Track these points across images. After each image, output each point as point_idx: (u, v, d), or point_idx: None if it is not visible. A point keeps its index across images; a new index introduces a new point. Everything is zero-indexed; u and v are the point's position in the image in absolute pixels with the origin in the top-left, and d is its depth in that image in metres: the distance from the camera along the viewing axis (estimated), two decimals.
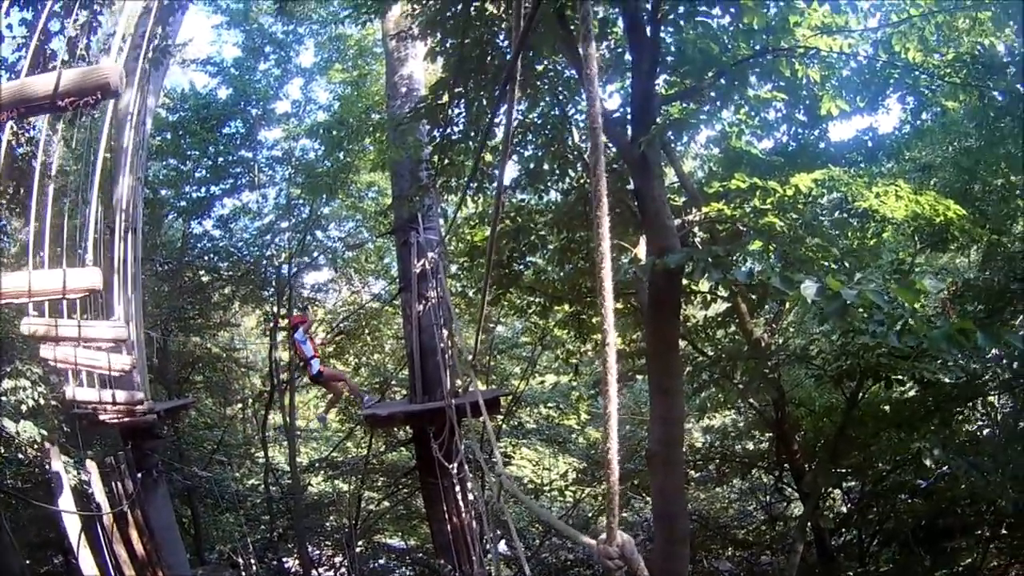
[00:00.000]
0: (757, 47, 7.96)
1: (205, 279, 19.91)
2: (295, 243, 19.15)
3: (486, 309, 14.26)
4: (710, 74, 7.90)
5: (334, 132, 16.95)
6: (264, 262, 19.55)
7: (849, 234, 8.48)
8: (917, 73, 8.29)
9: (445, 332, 11.94)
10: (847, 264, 7.67)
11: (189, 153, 19.04)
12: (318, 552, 19.83)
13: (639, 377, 13.40)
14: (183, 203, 19.73)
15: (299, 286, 19.85)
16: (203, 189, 20.01)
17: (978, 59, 8.20)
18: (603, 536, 2.15)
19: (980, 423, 11.29)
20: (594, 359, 13.64)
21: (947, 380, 9.40)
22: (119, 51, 9.86)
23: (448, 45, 9.28)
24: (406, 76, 14.15)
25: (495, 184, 10.82)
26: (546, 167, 9.88)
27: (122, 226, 11.09)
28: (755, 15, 7.29)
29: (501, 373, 18.39)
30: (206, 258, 19.89)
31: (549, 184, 10.20)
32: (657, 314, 7.85)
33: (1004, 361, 9.42)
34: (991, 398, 10.98)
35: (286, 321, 15.71)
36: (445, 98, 9.59)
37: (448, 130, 9.71)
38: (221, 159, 19.20)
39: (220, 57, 19.83)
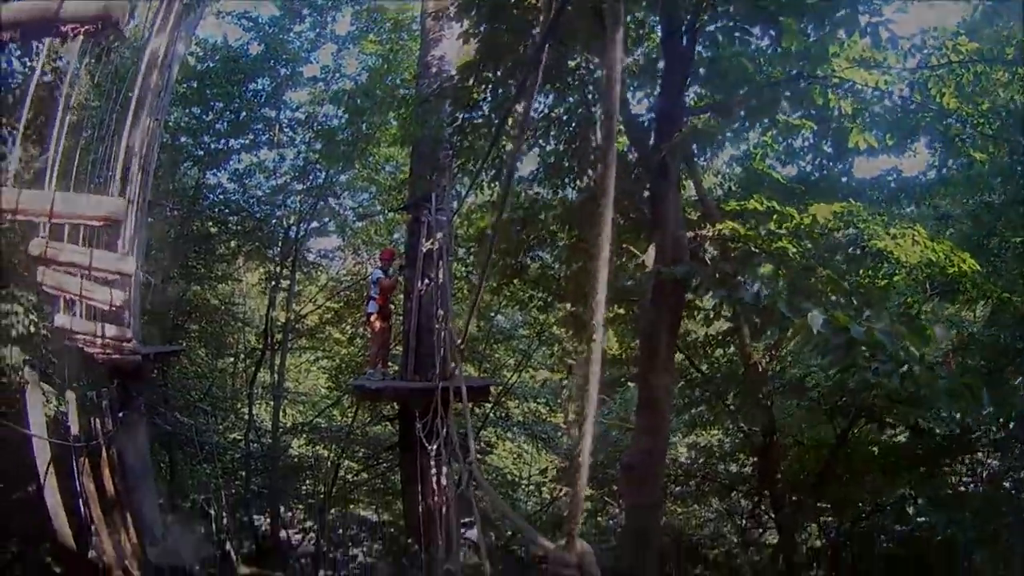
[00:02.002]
0: (792, 71, 7.93)
1: (213, 230, 19.86)
2: (307, 206, 19.17)
3: (488, 298, 14.28)
4: (742, 92, 7.83)
5: (359, 100, 16.86)
6: (273, 221, 19.60)
7: (860, 272, 8.43)
8: (950, 120, 8.25)
9: (441, 312, 11.86)
10: (855, 301, 7.59)
11: (212, 104, 18.97)
12: (290, 513, 19.85)
13: (631, 385, 13.35)
14: (200, 152, 19.64)
15: (305, 249, 19.89)
16: (222, 141, 19.91)
17: (1012, 113, 8.16)
18: (562, 542, 2.04)
19: (966, 478, 11.23)
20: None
21: (939, 432, 9.39)
22: None
23: (481, 28, 9.22)
24: (438, 56, 14.07)
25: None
26: (566, 163, 9.82)
27: (136, 165, 11.06)
28: (794, 38, 7.24)
29: (495, 362, 18.33)
30: (216, 210, 19.89)
31: (567, 181, 10.15)
32: (655, 324, 7.77)
33: (1000, 420, 9.34)
34: (979, 454, 10.92)
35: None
36: (471, 81, 9.53)
37: (472, 113, 9.65)
38: (244, 114, 19.17)
39: (257, 13, 19.77)
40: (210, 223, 19.95)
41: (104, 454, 10.69)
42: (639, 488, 7.79)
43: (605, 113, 2.01)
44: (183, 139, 19.78)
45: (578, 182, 10.34)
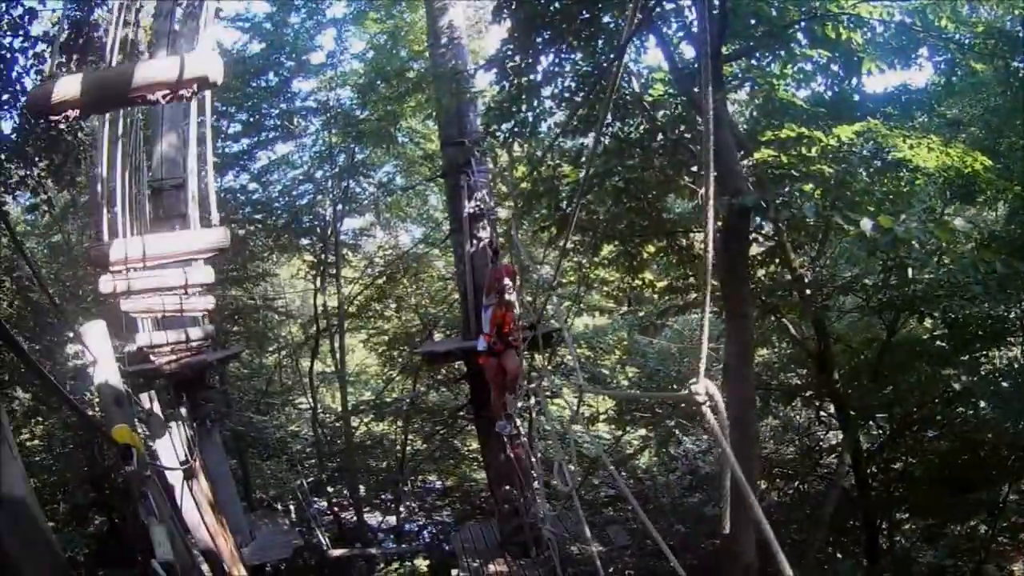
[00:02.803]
0: (803, 9, 8.62)
1: (240, 232, 20.22)
2: (336, 191, 19.54)
3: (534, 251, 14.70)
4: (759, 33, 8.52)
5: (379, 84, 17.19)
6: (303, 211, 19.92)
7: (884, 182, 8.99)
8: (949, 40, 8.83)
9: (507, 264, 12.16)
10: (884, 207, 8.26)
11: (223, 109, 19.15)
12: (365, 492, 20.48)
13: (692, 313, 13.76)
14: (216, 159, 19.98)
15: (341, 233, 20.29)
16: (238, 143, 20.28)
17: (1005, 33, 8.66)
18: (692, 381, 2.56)
19: (1003, 365, 11.75)
20: (641, 297, 14.00)
21: (975, 320, 10.01)
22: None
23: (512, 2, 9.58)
24: (447, 25, 14.35)
25: (544, 129, 11.23)
26: (596, 112, 10.18)
27: (169, 182, 11.50)
28: None
29: (545, 315, 18.64)
30: (242, 212, 20.19)
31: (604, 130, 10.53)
32: (730, 249, 8.44)
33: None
34: (1014, 351, 11.65)
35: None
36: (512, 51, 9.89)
37: (514, 80, 10.02)
38: (256, 114, 19.47)
39: (250, 12, 19.99)
40: (234, 225, 20.26)
41: (196, 466, 11.04)
42: (736, 383, 8.60)
43: (705, 165, 2.46)
44: (199, 147, 20.08)
45: (610, 129, 10.74)
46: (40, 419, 13.85)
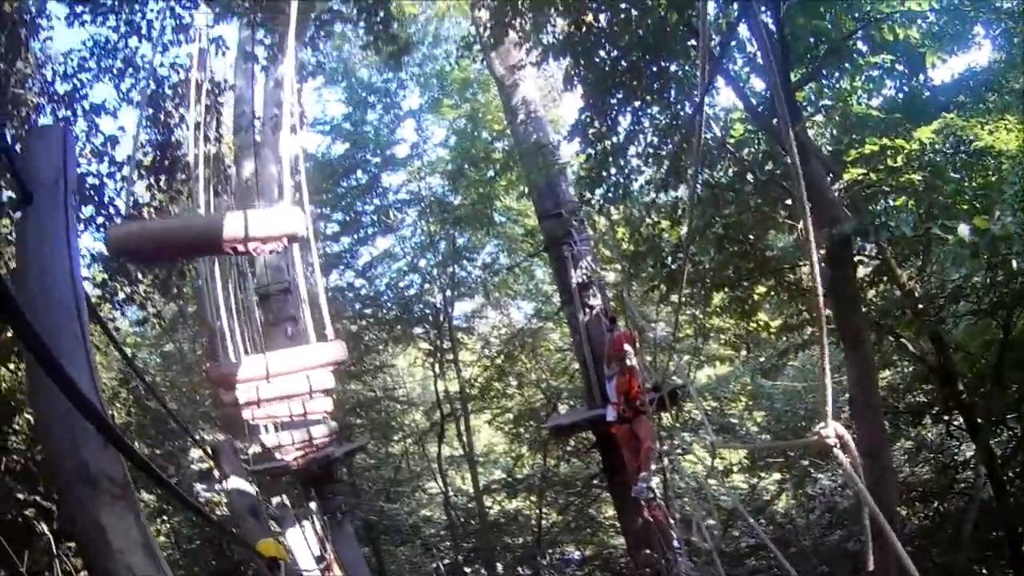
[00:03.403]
0: (857, 15, 8.78)
1: (354, 328, 20.71)
2: (442, 277, 19.97)
3: (645, 310, 14.68)
4: (822, 52, 8.62)
5: (467, 168, 17.63)
6: (412, 301, 20.38)
7: (973, 176, 8.80)
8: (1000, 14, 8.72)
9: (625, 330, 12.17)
10: (977, 204, 8.09)
11: (318, 211, 19.80)
12: (503, 570, 20.40)
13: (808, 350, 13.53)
14: (320, 259, 20.63)
15: (453, 318, 20.60)
16: (338, 243, 21.01)
17: None
18: (820, 425, 2.64)
19: None
20: (760, 339, 13.80)
21: None
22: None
23: (582, 68, 9.79)
24: (521, 101, 14.68)
25: (636, 187, 11.28)
26: (682, 162, 10.24)
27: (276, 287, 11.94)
28: None
29: (668, 373, 18.53)
30: (351, 308, 20.76)
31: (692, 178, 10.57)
32: (837, 278, 8.33)
33: None
34: None
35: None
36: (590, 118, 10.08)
37: (599, 145, 10.19)
38: (352, 212, 20.15)
39: (327, 116, 20.90)
40: (345, 321, 20.79)
41: (332, 560, 11.14)
42: (864, 415, 8.45)
43: (800, 205, 2.53)
44: (301, 250, 20.82)
45: (700, 177, 10.76)
46: (166, 517, 14.29)
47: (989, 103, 10.17)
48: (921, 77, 9.60)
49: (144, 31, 9.79)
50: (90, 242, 10.90)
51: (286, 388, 8.38)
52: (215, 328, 8.54)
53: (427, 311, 20.39)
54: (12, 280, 2.95)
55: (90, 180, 9.74)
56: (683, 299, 12.87)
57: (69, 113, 9.92)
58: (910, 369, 13.38)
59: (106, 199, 9.87)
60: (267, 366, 6.96)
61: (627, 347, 9.96)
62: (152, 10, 9.85)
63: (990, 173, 8.84)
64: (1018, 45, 9.98)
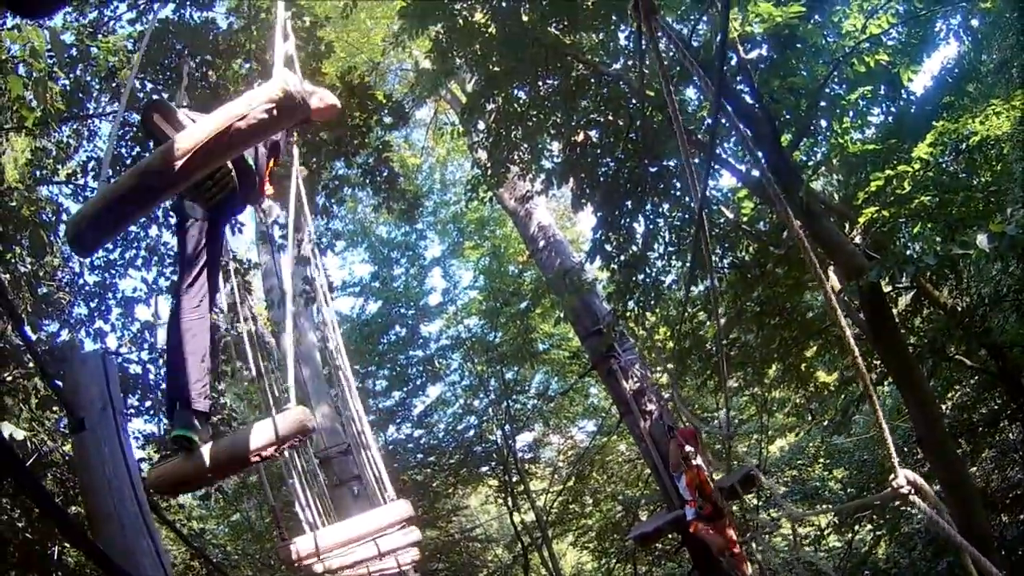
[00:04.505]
0: (827, 60, 8.99)
1: (419, 478, 20.70)
2: (499, 414, 20.07)
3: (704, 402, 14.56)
4: (804, 105, 8.83)
5: (501, 306, 17.95)
6: (473, 442, 20.46)
7: (979, 171, 8.89)
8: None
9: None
10: (992, 200, 8.35)
11: (364, 371, 20.21)
12: None
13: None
14: (372, 417, 20.84)
15: (515, 450, 20.51)
16: (389, 398, 21.26)
17: None
18: (891, 477, 2.71)
19: None
20: (823, 398, 13.66)
21: None
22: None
23: (586, 186, 10.13)
24: (537, 228, 15.04)
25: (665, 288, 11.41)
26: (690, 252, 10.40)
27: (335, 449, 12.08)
28: (816, 35, 8.46)
29: (737, 457, 18.35)
30: (413, 458, 20.82)
31: (717, 266, 10.70)
32: (877, 324, 8.43)
33: None
34: None
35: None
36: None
37: (621, 256, 10.41)
38: (397, 367, 20.49)
39: (355, 277, 21.48)
40: (410, 472, 20.75)
41: None
42: (934, 449, 8.48)
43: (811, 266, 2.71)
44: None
45: (725, 261, 10.90)
46: None
47: (972, 93, 10.32)
48: (903, 94, 9.81)
49: (161, 218, 10.12)
50: (141, 424, 11.11)
51: (363, 554, 8.41)
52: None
53: (489, 449, 20.47)
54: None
55: (133, 368, 10.10)
56: (738, 381, 12.87)
57: (103, 306, 10.28)
58: (974, 382, 13.13)
59: (151, 381, 10.20)
60: (330, 537, 6.95)
61: (688, 447, 9.88)
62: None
63: (994, 162, 8.97)
64: (982, 29, 10.19)
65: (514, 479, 20.01)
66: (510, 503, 20.12)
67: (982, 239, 6.48)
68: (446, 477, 20.76)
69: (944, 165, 8.82)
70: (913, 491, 2.73)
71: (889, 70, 9.10)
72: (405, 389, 21.09)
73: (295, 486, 8.82)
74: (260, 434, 3.99)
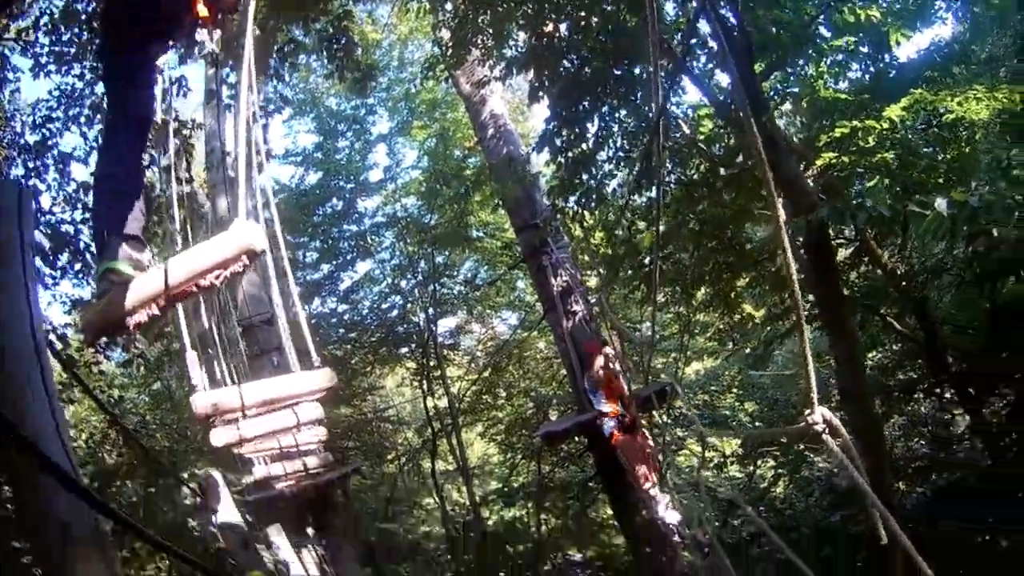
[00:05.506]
0: (817, 1, 8.90)
1: (339, 353, 20.66)
2: (424, 297, 20.04)
3: (628, 313, 14.69)
4: (785, 38, 8.70)
5: (440, 187, 17.67)
6: (395, 322, 20.46)
7: (947, 149, 8.88)
8: None
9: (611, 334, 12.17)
10: (953, 177, 8.31)
11: (296, 240, 19.82)
12: None
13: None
14: (300, 288, 20.54)
15: (436, 335, 20.63)
16: (318, 271, 21.06)
17: None
18: (807, 412, 2.68)
19: None
20: (744, 331, 13.89)
21: None
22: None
23: (547, 79, 9.84)
24: (489, 115, 14.72)
25: (610, 193, 11.31)
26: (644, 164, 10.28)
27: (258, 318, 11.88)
28: None
29: (654, 372, 18.69)
30: (335, 333, 20.75)
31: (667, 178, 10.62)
32: (816, 264, 8.57)
33: None
34: None
35: None
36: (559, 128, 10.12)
37: (569, 153, 10.23)
38: (329, 240, 20.26)
39: (298, 147, 20.98)
40: (330, 347, 20.68)
41: None
42: (853, 398, 8.72)
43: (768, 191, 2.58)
44: (281, 280, 20.84)
45: (673, 176, 10.83)
46: (164, 555, 14.16)
47: (956, 75, 10.28)
48: (886, 57, 9.70)
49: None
50: (69, 288, 10.81)
51: (274, 424, 8.35)
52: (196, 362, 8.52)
53: (411, 331, 20.52)
54: None
55: (65, 228, 9.74)
56: (665, 297, 12.97)
57: (39, 164, 9.93)
58: (898, 347, 13.47)
59: (82, 245, 9.85)
60: (247, 394, 6.81)
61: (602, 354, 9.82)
62: None
63: (963, 144, 8.95)
64: (981, 14, 10.11)
65: (432, 363, 20.13)
66: (425, 387, 20.33)
67: (941, 203, 6.46)
68: (365, 355, 20.77)
69: (913, 131, 8.79)
70: (827, 430, 2.71)
71: (879, 28, 8.95)
72: (335, 263, 20.89)
73: (217, 354, 8.74)
74: (203, 257, 3.54)
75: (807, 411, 2.79)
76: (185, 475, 11.88)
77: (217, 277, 3.45)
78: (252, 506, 11.34)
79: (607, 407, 9.89)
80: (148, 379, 18.28)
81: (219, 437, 7.92)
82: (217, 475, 8.06)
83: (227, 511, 8.08)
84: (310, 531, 11.78)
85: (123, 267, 3.18)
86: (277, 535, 10.76)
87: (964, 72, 10.44)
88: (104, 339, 8.88)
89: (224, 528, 7.97)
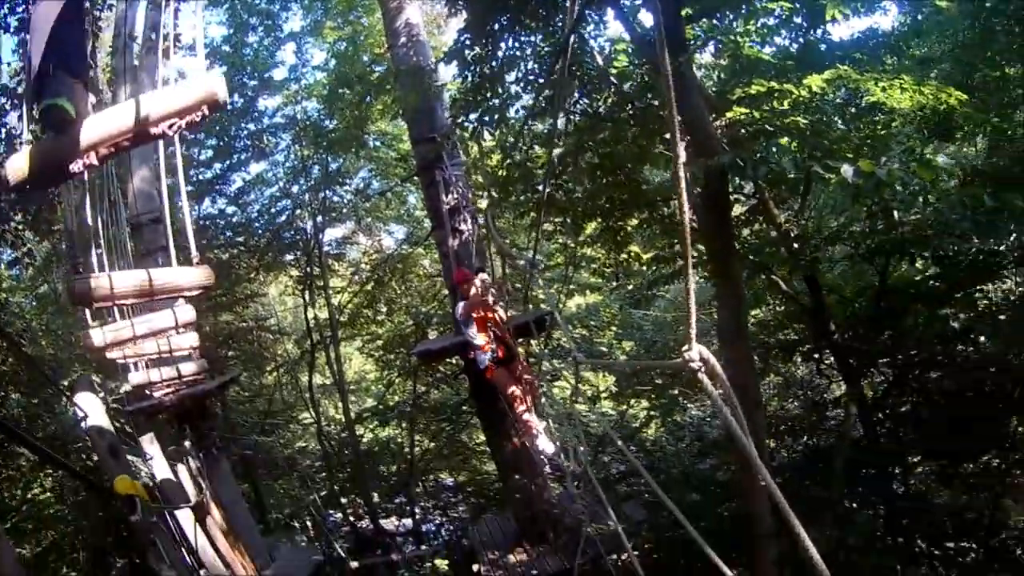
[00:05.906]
0: None
1: (225, 257, 20.13)
2: (314, 203, 19.62)
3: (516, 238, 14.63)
4: None
5: (343, 92, 17.16)
6: (283, 227, 20.02)
7: (861, 127, 8.99)
8: None
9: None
10: (864, 152, 8.26)
11: (191, 136, 19.12)
12: (379, 499, 20.49)
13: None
14: (191, 187, 19.86)
15: (324, 244, 20.38)
16: (211, 169, 20.35)
17: None
18: (685, 348, 2.62)
19: (1000, 302, 11.76)
20: (629, 270, 14.01)
21: (964, 257, 10.03)
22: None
23: None
24: (404, 23, 14.29)
25: (514, 115, 11.13)
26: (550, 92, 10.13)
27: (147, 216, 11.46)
28: None
29: (535, 300, 18.75)
30: (223, 236, 20.26)
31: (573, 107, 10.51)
32: (711, 212, 8.53)
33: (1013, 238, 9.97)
34: (1008, 283, 11.56)
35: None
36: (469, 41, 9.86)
37: (476, 69, 9.99)
38: (225, 137, 19.51)
39: (208, 37, 19.95)
40: (217, 250, 20.11)
41: (208, 496, 10.85)
42: (732, 345, 8.69)
43: (671, 129, 2.47)
44: (170, 180, 20.06)
45: (578, 106, 10.71)
46: (49, 471, 13.72)
47: (887, 66, 10.39)
48: (819, 31, 9.69)
49: None
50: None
51: (150, 326, 8.07)
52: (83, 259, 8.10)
53: (298, 237, 20.13)
54: None
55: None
56: (554, 227, 12.92)
57: None
58: (782, 308, 13.80)
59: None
60: (122, 280, 6.50)
61: (476, 281, 9.23)
62: None
63: (879, 128, 9.03)
64: (928, 18, 10.21)
65: (316, 272, 19.83)
66: (307, 296, 20.03)
67: (848, 169, 6.41)
68: (250, 259, 20.29)
69: (832, 104, 8.84)
70: (703, 368, 2.65)
71: (817, 1, 8.81)
72: (228, 162, 20.19)
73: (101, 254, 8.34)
74: (160, 102, 3.34)
75: (684, 347, 2.71)
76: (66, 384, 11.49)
77: (171, 126, 3.33)
78: (131, 416, 11.10)
79: (480, 339, 9.40)
80: (36, 282, 17.55)
81: (96, 337, 7.67)
82: (91, 379, 7.78)
83: (96, 415, 7.82)
84: (187, 443, 11.58)
85: (68, 105, 2.93)
86: (150, 444, 10.54)
87: (895, 65, 10.58)
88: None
89: (92, 432, 7.73)
